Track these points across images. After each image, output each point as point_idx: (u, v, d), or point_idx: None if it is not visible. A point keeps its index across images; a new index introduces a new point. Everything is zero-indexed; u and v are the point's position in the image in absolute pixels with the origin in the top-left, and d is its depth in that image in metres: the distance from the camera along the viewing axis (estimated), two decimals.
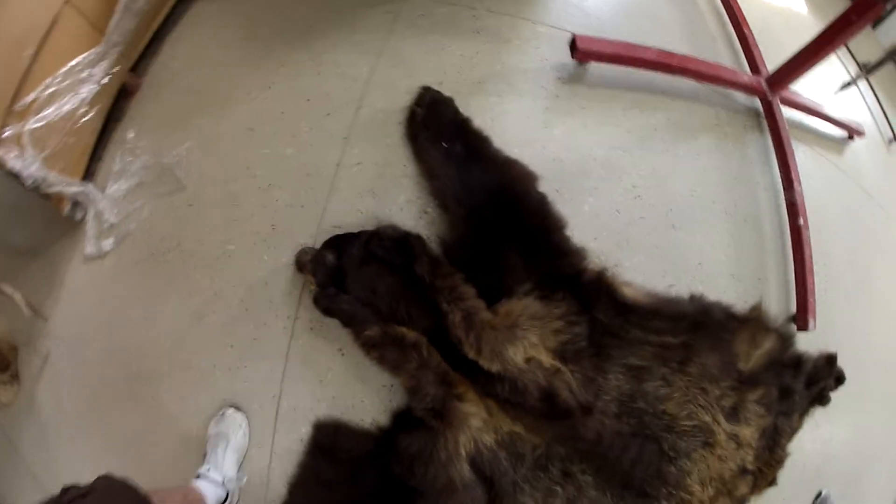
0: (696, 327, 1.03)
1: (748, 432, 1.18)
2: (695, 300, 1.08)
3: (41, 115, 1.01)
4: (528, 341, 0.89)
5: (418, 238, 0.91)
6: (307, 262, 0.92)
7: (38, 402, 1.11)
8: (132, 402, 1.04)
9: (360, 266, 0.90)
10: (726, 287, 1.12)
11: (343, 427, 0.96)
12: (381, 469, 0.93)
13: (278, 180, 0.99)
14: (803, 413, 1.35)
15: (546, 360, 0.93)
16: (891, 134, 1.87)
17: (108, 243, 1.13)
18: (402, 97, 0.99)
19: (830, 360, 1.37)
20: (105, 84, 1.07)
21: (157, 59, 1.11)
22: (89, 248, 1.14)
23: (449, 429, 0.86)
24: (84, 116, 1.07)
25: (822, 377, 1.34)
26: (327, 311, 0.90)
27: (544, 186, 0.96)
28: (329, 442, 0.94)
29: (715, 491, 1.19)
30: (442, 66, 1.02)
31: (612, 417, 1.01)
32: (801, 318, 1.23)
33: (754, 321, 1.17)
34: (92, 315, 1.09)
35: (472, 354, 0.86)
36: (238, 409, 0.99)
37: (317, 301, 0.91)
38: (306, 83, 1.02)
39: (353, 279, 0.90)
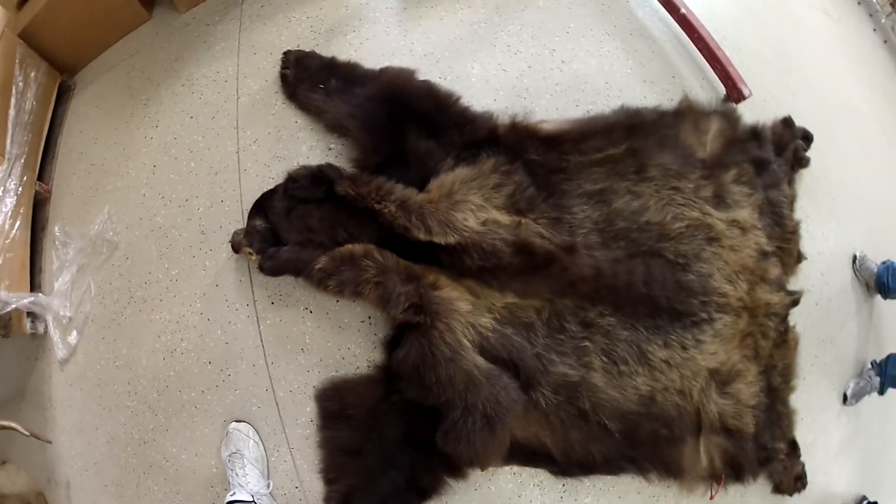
0: (632, 131, 1.04)
1: (745, 214, 1.15)
2: (620, 110, 1.10)
3: None
4: (472, 203, 0.89)
5: (329, 165, 0.95)
6: (241, 240, 0.94)
7: None
8: (150, 474, 1.03)
9: (288, 215, 0.92)
10: (643, 92, 1.15)
11: (343, 384, 0.93)
12: (400, 406, 0.89)
13: (192, 192, 1.06)
14: (791, 180, 1.31)
15: (502, 218, 0.92)
16: None
17: (73, 337, 1.16)
18: (272, 72, 1.09)
19: (787, 122, 1.38)
20: (21, 195, 1.17)
21: (56, 161, 1.22)
22: (60, 352, 1.17)
23: (438, 320, 0.83)
24: (13, 229, 1.15)
25: (788, 140, 1.34)
26: (274, 271, 0.91)
27: (426, 77, 1.03)
28: (337, 406, 0.91)
29: (747, 283, 1.13)
30: (295, 34, 1.13)
31: (600, 248, 0.98)
32: (732, 90, 1.24)
33: (688, 110, 1.18)
34: (86, 412, 1.11)
35: (423, 236, 0.86)
36: (239, 420, 0.95)
37: (261, 267, 0.92)
38: (186, 104, 1.12)
39: (285, 230, 0.92)
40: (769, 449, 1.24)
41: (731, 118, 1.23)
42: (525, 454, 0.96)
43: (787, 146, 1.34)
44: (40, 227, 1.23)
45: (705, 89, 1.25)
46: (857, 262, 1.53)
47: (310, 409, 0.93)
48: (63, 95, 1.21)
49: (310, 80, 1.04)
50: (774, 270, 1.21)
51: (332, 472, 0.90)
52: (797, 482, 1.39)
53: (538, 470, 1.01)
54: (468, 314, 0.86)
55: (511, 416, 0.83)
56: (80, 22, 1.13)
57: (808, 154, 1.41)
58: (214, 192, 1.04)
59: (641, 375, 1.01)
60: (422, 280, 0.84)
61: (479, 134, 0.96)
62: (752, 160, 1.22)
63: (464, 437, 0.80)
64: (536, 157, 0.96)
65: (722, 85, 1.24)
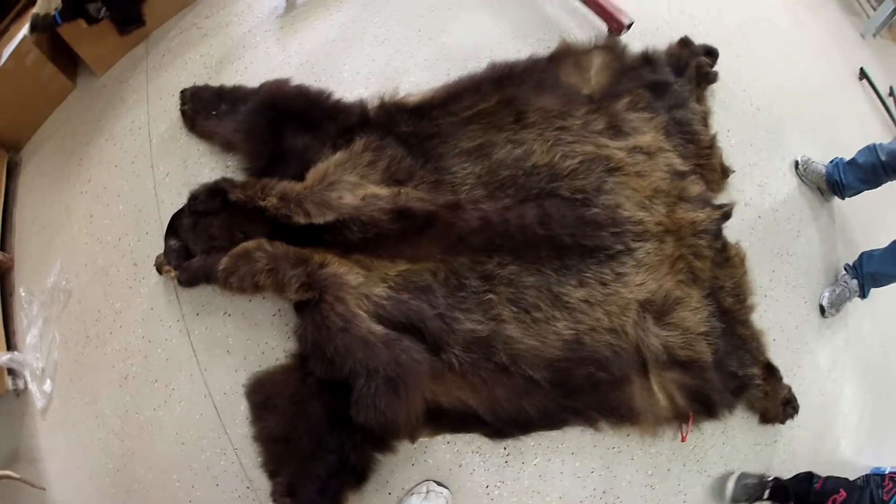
0: (502, 82, 1.11)
1: (648, 138, 1.18)
2: (490, 66, 1.16)
3: None
4: (347, 183, 0.98)
5: (224, 178, 1.08)
6: (161, 262, 1.07)
7: None
8: (129, 500, 1.11)
9: (194, 229, 1.04)
10: (517, 47, 1.23)
11: (265, 376, 1.02)
12: (317, 388, 0.96)
13: (123, 231, 1.20)
14: (699, 97, 1.33)
15: (381, 191, 1.00)
16: None
17: (47, 386, 1.30)
18: (175, 112, 1.24)
19: (684, 42, 1.43)
20: None
21: (14, 231, 1.39)
22: (39, 402, 1.31)
23: (327, 293, 0.91)
24: None
25: (687, 59, 1.37)
26: (189, 281, 1.03)
27: (303, 82, 1.14)
28: (262, 398, 1.00)
29: (665, 206, 1.14)
30: (192, 73, 1.29)
31: (487, 200, 1.04)
32: (612, 22, 1.29)
33: (566, 52, 1.24)
34: (68, 455, 1.22)
35: (303, 219, 0.95)
36: (441, 484, 0.98)
37: (179, 281, 1.04)
38: (110, 156, 1.28)
39: (193, 242, 1.04)
40: (740, 376, 1.21)
41: (615, 50, 1.28)
42: (453, 421, 0.98)
43: (688, 65, 1.37)
44: (8, 293, 1.40)
45: (585, 29, 1.31)
46: (800, 166, 1.50)
47: (243, 408, 1.01)
48: (12, 171, 1.40)
49: (204, 110, 1.18)
50: (695, 188, 1.22)
51: (272, 463, 0.97)
52: (787, 407, 1.32)
53: (473, 436, 1.02)
54: (360, 286, 0.93)
55: (416, 377, 0.88)
56: (17, 101, 1.32)
57: (714, 69, 1.43)
58: (140, 227, 1.18)
59: (561, 320, 1.02)
60: (309, 261, 0.93)
61: (352, 120, 1.06)
62: (647, 85, 1.26)
63: (370, 403, 0.86)
64: (408, 128, 1.04)
65: (601, 21, 1.30)
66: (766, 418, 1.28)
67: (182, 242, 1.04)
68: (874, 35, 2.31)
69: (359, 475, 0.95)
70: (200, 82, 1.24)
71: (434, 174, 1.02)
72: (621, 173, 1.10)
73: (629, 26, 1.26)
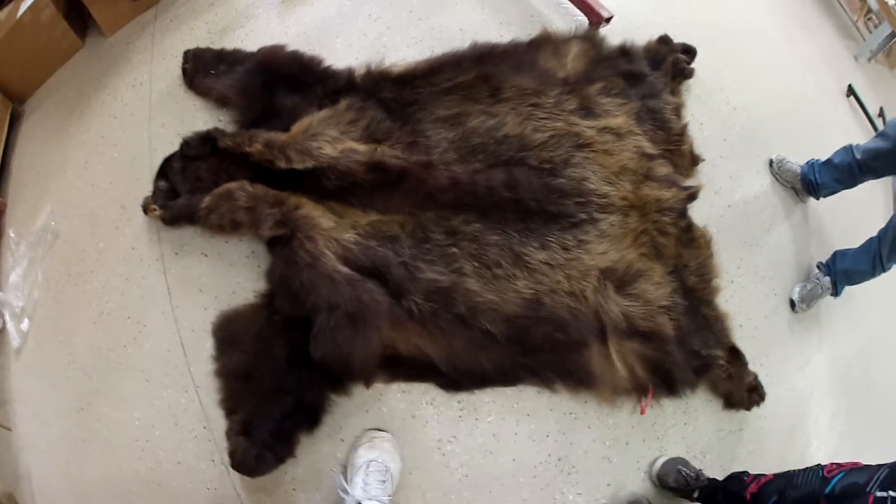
0: (482, 60, 1.23)
1: (619, 121, 1.28)
2: (473, 45, 1.28)
3: None
4: (328, 136, 1.08)
5: (215, 128, 1.18)
6: (149, 201, 1.15)
7: None
8: (89, 441, 1.17)
9: (183, 172, 1.14)
10: (500, 33, 1.36)
11: (232, 314, 1.09)
12: (281, 326, 1.02)
13: (115, 177, 1.30)
14: (674, 90, 1.44)
15: (359, 147, 1.10)
16: None
17: (24, 325, 1.37)
18: (177, 71, 1.35)
19: (663, 39, 1.56)
20: None
21: (11, 177, 1.50)
22: (15, 342, 1.37)
23: (299, 231, 1.00)
24: None
25: (665, 54, 1.49)
26: (173, 219, 1.12)
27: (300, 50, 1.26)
28: (227, 335, 1.06)
29: (631, 182, 1.23)
30: (196, 38, 1.41)
31: (458, 163, 1.14)
32: (592, 15, 1.41)
33: (546, 39, 1.37)
34: (38, 396, 1.27)
35: (284, 164, 1.04)
36: (381, 430, 1.02)
37: (163, 219, 1.13)
38: (111, 109, 1.39)
39: (180, 184, 1.14)
40: (703, 356, 1.27)
41: (593, 40, 1.41)
42: (410, 369, 1.04)
43: (665, 59, 1.50)
44: None
45: (568, 22, 1.43)
46: (774, 165, 1.59)
47: (209, 346, 1.08)
48: (15, 121, 1.51)
49: (203, 69, 1.30)
50: (662, 169, 1.32)
51: (231, 400, 1.03)
52: (752, 394, 1.37)
53: (429, 387, 1.07)
54: (331, 230, 1.02)
55: (375, 315, 0.95)
56: (29, 54, 1.44)
57: (692, 67, 1.55)
58: (132, 173, 1.28)
59: (521, 279, 1.10)
60: (286, 202, 1.02)
61: (339, 84, 1.17)
62: (622, 74, 1.38)
63: (329, 338, 0.92)
64: (390, 94, 1.15)
65: (582, 15, 1.43)
66: (731, 402, 1.33)
67: (170, 184, 1.13)
68: (868, 59, 2.41)
69: (313, 417, 1.00)
70: (206, 45, 1.37)
71: (410, 136, 1.12)
72: (590, 150, 1.20)
73: (609, 20, 1.39)
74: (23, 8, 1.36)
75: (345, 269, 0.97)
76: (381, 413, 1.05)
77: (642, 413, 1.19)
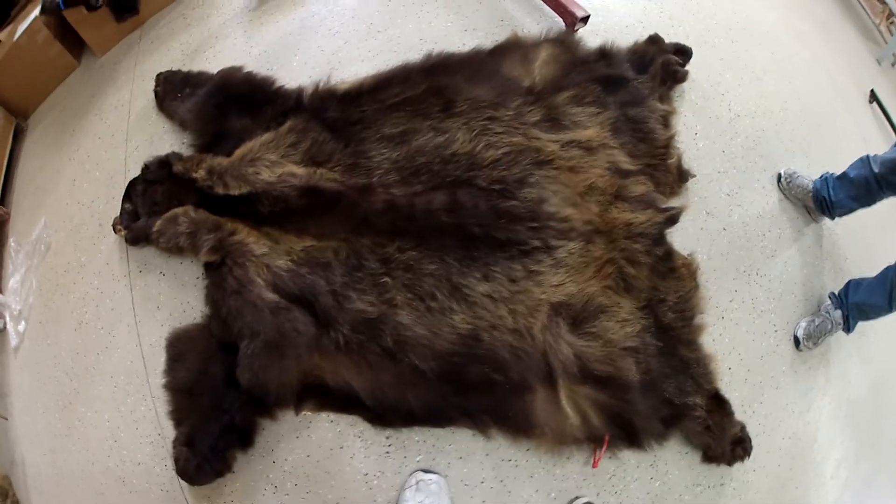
0: (434, 71, 1.20)
1: (590, 133, 1.20)
2: (425, 56, 1.25)
3: None
4: (267, 161, 1.12)
5: (172, 152, 1.26)
6: (117, 222, 1.26)
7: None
8: (70, 436, 1.31)
9: (144, 194, 1.23)
10: (463, 40, 1.32)
11: (181, 332, 1.17)
12: (219, 347, 1.08)
13: (96, 195, 1.44)
14: (663, 96, 1.32)
15: (299, 170, 1.13)
16: None
17: (21, 327, 1.56)
18: (152, 93, 1.46)
19: (652, 39, 1.45)
20: None
21: (13, 190, 1.69)
22: (13, 341, 1.57)
23: (229, 257, 1.06)
24: None
25: (653, 56, 1.36)
26: (134, 240, 1.22)
27: (257, 69, 1.32)
28: (176, 351, 1.15)
29: (599, 205, 1.14)
30: (172, 60, 1.52)
31: (399, 185, 1.12)
32: (566, 15, 1.32)
33: (514, 44, 1.30)
34: (31, 390, 1.45)
35: (221, 190, 1.10)
36: (429, 471, 1.03)
37: (128, 240, 1.23)
38: (96, 129, 1.54)
39: (141, 206, 1.24)
40: (677, 404, 1.15)
41: (566, 43, 1.32)
42: (337, 400, 1.04)
43: (653, 61, 1.38)
44: (1, 243, 1.69)
45: (541, 22, 1.36)
46: (782, 180, 1.42)
47: (164, 359, 1.16)
48: (18, 136, 1.71)
49: (172, 92, 1.39)
50: (638, 188, 1.21)
51: (177, 413, 1.11)
52: (736, 448, 1.22)
53: (357, 420, 1.06)
54: (263, 256, 1.06)
55: (292, 346, 0.97)
56: (28, 73, 1.62)
57: (685, 69, 1.43)
58: (109, 192, 1.41)
59: (458, 313, 1.05)
60: (223, 228, 1.08)
61: (288, 104, 1.20)
62: (599, 79, 1.28)
63: (248, 365, 0.97)
64: (335, 113, 1.16)
65: (555, 13, 1.34)
66: (709, 456, 1.20)
67: (133, 206, 1.23)
68: (893, 64, 2.16)
69: (246, 437, 1.06)
70: (176, 68, 1.46)
71: (352, 157, 1.13)
72: (551, 167, 1.13)
73: (585, 19, 1.29)
74: (19, 31, 1.52)
75: (271, 297, 1.01)
76: (310, 441, 1.08)
77: (594, 466, 1.09)
